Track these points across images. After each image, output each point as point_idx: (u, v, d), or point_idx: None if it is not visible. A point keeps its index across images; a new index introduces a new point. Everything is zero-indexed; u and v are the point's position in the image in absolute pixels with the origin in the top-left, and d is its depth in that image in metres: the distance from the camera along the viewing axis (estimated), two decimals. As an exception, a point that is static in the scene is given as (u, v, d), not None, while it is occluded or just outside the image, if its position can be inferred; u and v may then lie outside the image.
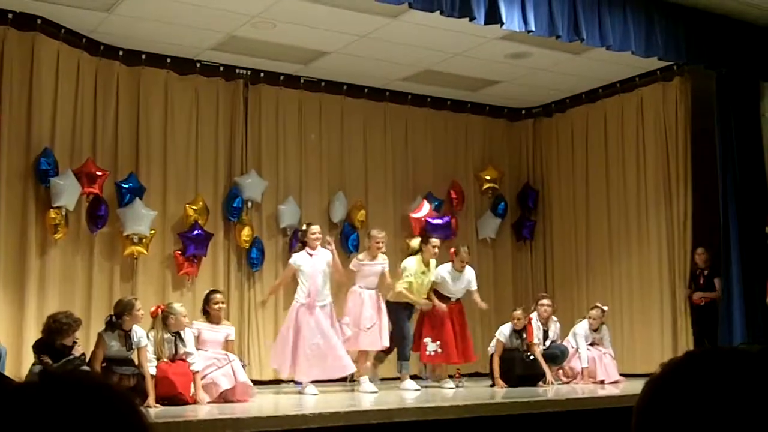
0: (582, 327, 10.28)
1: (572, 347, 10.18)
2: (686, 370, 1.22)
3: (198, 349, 8.17)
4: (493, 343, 9.94)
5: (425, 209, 11.56)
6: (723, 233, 10.09)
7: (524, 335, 9.85)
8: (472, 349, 9.93)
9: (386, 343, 9.24)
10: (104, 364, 7.58)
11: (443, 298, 9.74)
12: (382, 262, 9.33)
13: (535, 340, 9.87)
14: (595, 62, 10.84)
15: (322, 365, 8.68)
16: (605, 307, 10.38)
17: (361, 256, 9.45)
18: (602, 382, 10.05)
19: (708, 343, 10.20)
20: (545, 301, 10.23)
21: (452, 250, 10.05)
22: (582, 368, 10.08)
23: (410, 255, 9.72)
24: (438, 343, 9.57)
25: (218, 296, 8.70)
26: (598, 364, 10.16)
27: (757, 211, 9.86)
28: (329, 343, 8.70)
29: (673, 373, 1.23)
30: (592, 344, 10.29)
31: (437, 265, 9.80)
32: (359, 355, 9.19)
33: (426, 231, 9.88)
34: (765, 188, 9.87)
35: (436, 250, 9.58)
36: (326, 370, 8.75)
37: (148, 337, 7.81)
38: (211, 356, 8.19)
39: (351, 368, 8.91)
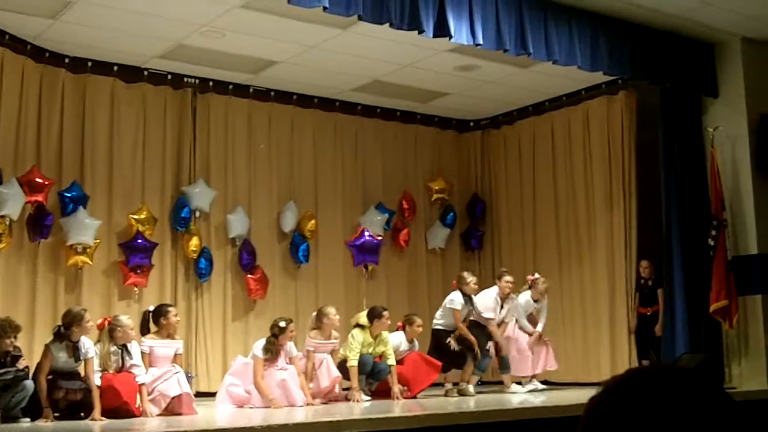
0: (524, 298, 10.47)
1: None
2: (626, 388, 1.26)
3: (151, 365, 8.11)
4: (441, 312, 9.99)
5: (363, 236, 11.52)
6: (666, 244, 10.26)
7: (474, 302, 9.92)
8: (434, 362, 9.92)
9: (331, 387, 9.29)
10: (50, 377, 7.48)
11: None
12: (334, 341, 9.36)
13: (480, 308, 10.03)
14: (542, 76, 10.96)
15: (281, 393, 8.68)
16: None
17: (313, 334, 9.33)
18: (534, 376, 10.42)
19: (653, 354, 10.37)
20: (509, 278, 10.31)
21: (400, 323, 10.12)
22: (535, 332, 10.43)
23: (355, 326, 9.60)
24: (405, 388, 9.58)
25: (175, 309, 8.69)
26: (533, 358, 10.38)
27: (699, 223, 10.00)
28: (286, 374, 8.74)
29: (614, 391, 1.27)
30: (529, 318, 10.55)
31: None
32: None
33: (376, 307, 9.86)
34: (707, 201, 10.02)
35: (387, 321, 9.58)
36: (286, 398, 8.70)
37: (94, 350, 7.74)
38: (158, 372, 8.13)
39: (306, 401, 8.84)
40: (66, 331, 7.61)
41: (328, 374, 9.18)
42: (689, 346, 9.80)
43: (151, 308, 8.70)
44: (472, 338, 9.77)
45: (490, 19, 8.25)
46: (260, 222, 11.21)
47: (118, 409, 7.61)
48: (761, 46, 10.30)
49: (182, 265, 10.67)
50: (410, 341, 10.02)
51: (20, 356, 7.43)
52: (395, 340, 9.83)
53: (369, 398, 9.36)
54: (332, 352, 9.35)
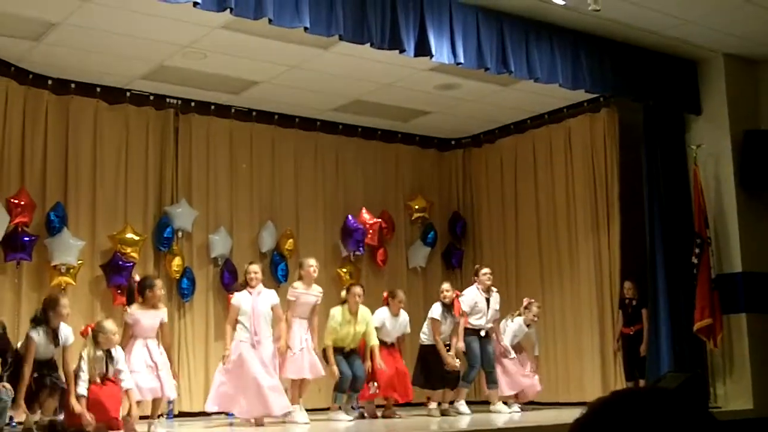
0: (517, 322, 10.51)
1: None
2: (611, 410, 1.26)
3: (136, 336, 8.13)
4: (426, 326, 9.98)
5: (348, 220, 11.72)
6: (650, 263, 10.15)
7: (453, 311, 9.89)
8: (410, 388, 9.90)
9: (308, 374, 9.06)
10: (35, 375, 7.49)
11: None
12: (317, 294, 9.29)
13: (465, 308, 9.98)
14: (524, 94, 10.99)
15: (263, 402, 8.55)
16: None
17: (296, 284, 9.31)
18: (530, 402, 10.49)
19: (638, 373, 10.29)
20: (486, 270, 10.29)
21: (385, 294, 10.13)
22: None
23: (340, 304, 9.67)
24: (375, 384, 9.57)
25: (160, 282, 8.65)
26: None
27: (683, 241, 9.95)
28: (270, 381, 8.59)
29: (599, 413, 1.27)
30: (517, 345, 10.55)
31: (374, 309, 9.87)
32: (291, 384, 9.07)
33: (353, 283, 9.92)
34: (691, 218, 9.99)
35: (358, 298, 9.58)
36: (266, 408, 8.56)
37: (81, 356, 7.74)
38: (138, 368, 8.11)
39: (288, 408, 8.74)
40: (44, 315, 7.67)
41: (310, 364, 9.04)
42: (674, 365, 9.66)
43: (137, 278, 8.78)
44: (450, 360, 9.72)
45: (470, 38, 8.28)
46: (242, 241, 11.20)
47: (105, 424, 7.63)
48: (743, 62, 10.34)
49: (165, 285, 10.59)
50: (395, 314, 9.96)
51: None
52: (380, 315, 9.85)
53: (351, 419, 9.30)
54: (314, 309, 9.22)
